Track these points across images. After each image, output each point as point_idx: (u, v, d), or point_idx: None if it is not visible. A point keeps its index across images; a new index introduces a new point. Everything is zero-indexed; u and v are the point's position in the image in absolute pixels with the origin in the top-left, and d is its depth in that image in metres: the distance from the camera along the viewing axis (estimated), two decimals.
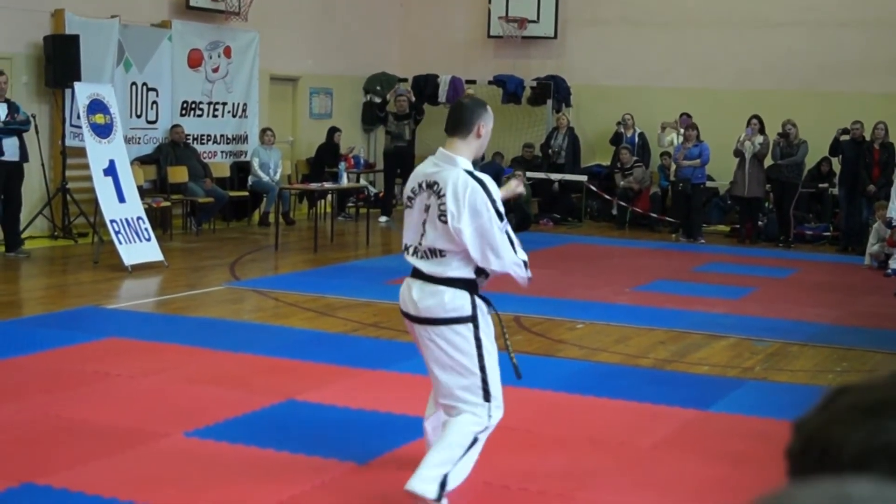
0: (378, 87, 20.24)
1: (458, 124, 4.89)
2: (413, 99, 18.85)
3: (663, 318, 10.13)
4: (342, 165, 16.26)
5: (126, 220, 12.40)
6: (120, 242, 12.15)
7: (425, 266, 4.85)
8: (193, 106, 16.61)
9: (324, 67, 19.31)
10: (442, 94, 20.02)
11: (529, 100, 19.96)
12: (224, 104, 17.14)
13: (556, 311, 10.38)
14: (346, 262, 13.55)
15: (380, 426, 6.43)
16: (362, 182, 18.64)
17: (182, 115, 16.33)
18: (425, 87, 20.10)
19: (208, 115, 16.91)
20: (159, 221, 14.90)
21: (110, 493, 5.12)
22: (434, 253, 4.81)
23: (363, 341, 8.88)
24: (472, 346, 4.82)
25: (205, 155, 16.59)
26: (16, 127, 12.66)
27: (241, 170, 17.19)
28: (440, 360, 4.87)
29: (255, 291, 11.25)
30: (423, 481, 4.76)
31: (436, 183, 4.80)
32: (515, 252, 4.82)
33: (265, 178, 16.82)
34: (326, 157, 18.22)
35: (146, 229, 12.61)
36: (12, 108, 12.73)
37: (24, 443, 5.92)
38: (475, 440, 4.89)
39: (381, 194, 18.91)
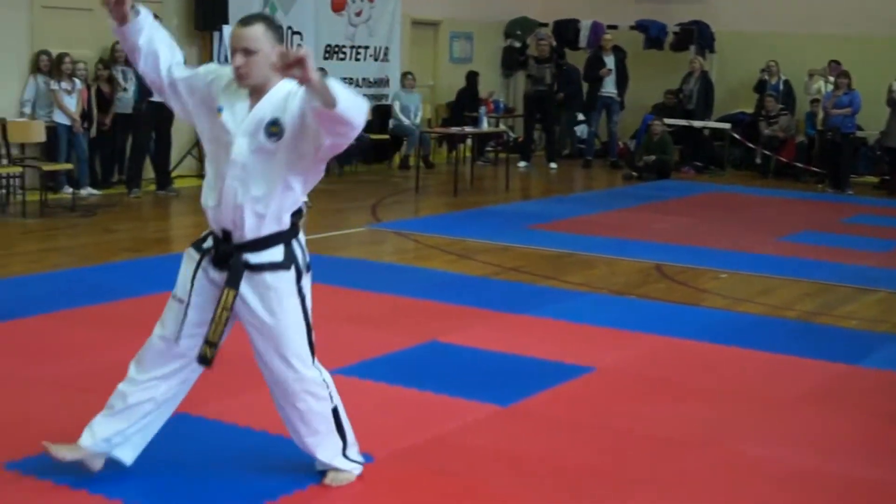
0: (518, 32, 20.12)
1: None
2: (554, 43, 18.67)
3: (809, 270, 9.91)
4: (482, 110, 16.24)
5: None
6: None
7: None
8: (336, 49, 16.77)
9: (464, 12, 19.26)
10: (583, 40, 19.83)
11: (672, 45, 19.59)
12: (366, 48, 17.26)
13: (698, 259, 10.24)
14: (485, 207, 13.56)
15: (521, 370, 6.45)
16: (501, 126, 18.59)
17: (325, 58, 16.50)
18: (566, 31, 19.91)
19: (351, 59, 17.05)
20: None
21: (260, 426, 5.26)
22: None
23: (504, 285, 8.90)
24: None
25: None
26: None
27: (383, 113, 17.31)
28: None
29: (395, 233, 11.37)
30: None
31: None
32: None
33: (406, 121, 16.93)
34: (466, 102, 18.25)
35: None
36: None
37: None
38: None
39: (520, 139, 18.87)
